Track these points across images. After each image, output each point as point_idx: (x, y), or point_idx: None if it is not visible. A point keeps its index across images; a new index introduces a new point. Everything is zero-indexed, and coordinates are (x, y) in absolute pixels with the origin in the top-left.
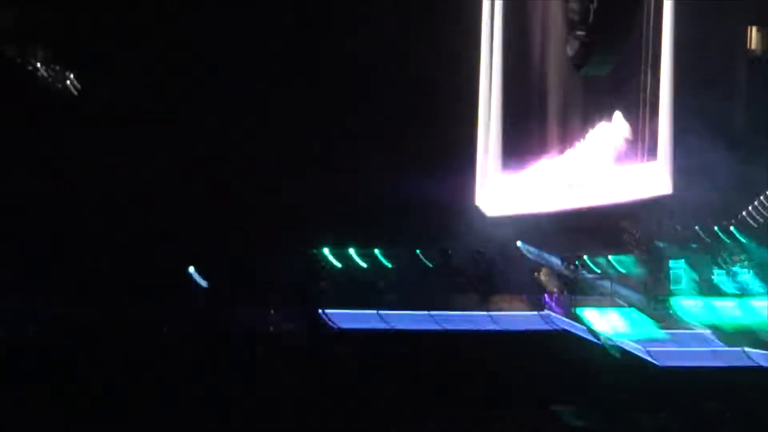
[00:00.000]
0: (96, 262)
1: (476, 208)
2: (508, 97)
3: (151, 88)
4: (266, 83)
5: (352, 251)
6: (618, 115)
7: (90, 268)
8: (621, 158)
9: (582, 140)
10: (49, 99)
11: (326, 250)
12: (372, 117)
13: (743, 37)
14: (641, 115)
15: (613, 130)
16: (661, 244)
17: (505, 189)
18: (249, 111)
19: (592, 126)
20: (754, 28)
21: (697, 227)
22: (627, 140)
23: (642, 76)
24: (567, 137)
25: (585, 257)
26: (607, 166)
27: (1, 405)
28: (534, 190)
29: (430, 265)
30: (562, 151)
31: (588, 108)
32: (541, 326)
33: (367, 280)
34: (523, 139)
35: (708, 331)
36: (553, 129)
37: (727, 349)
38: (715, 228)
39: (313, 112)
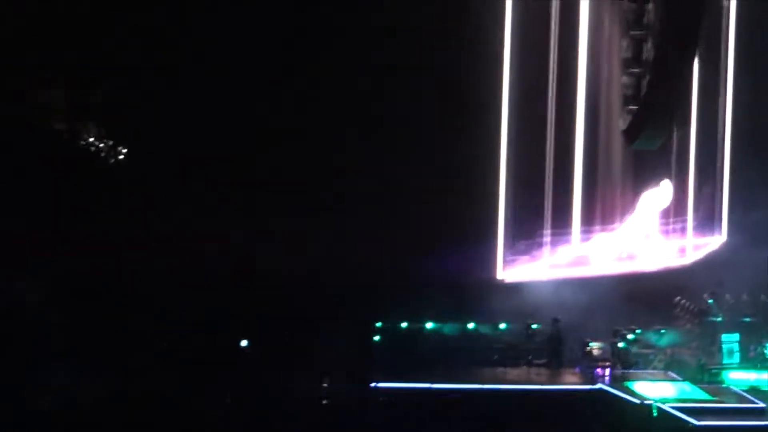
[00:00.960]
0: (149, 332)
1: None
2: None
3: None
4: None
5: (403, 325)
6: (666, 184)
7: (146, 340)
8: (671, 229)
9: (629, 211)
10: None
11: (378, 325)
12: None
13: None
14: (693, 185)
15: (661, 200)
16: (714, 318)
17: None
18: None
19: (639, 196)
20: None
21: (748, 299)
22: (678, 210)
23: (696, 148)
24: (610, 209)
25: (638, 330)
26: (655, 236)
27: None
28: (581, 261)
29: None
30: (606, 223)
31: (634, 178)
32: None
33: (418, 353)
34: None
35: (759, 402)
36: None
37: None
38: None
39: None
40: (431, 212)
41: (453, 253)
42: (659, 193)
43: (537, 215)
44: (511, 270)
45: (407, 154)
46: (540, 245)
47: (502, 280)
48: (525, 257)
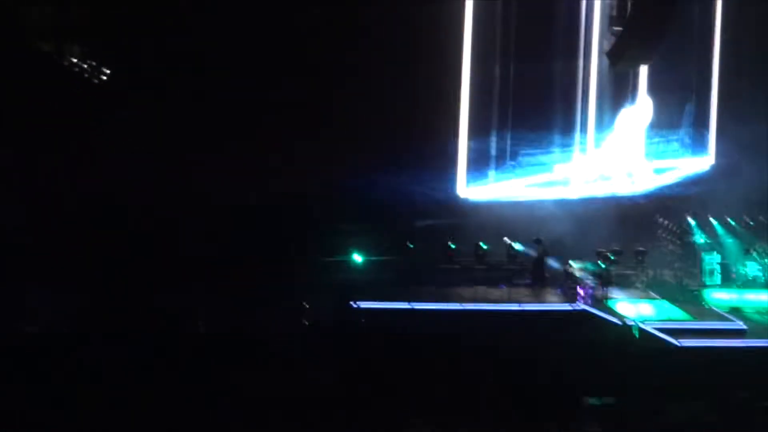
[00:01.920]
0: (125, 262)
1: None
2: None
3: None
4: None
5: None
6: (646, 100)
7: (118, 267)
8: (657, 150)
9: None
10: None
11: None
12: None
13: None
14: (680, 107)
15: (641, 117)
16: (696, 239)
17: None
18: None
19: (620, 116)
20: None
21: (732, 221)
22: (663, 132)
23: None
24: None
25: (620, 251)
26: (637, 155)
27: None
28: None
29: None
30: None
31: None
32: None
33: (399, 273)
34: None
35: (740, 323)
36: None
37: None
38: (750, 222)
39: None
40: (396, 132)
41: (422, 173)
42: (639, 111)
43: (511, 134)
44: (481, 189)
45: (370, 77)
46: (518, 165)
47: (467, 200)
48: (501, 177)
